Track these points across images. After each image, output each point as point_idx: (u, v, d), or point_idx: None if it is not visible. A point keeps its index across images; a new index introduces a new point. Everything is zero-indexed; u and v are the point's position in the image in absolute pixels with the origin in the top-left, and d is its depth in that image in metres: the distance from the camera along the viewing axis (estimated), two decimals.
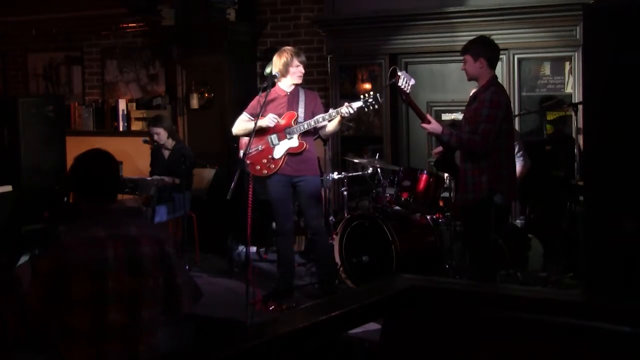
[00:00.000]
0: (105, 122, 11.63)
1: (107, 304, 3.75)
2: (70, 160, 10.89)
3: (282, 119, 7.39)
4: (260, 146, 7.46)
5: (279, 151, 7.39)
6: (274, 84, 7.47)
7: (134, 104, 11.41)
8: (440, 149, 7.12)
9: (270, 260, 9.06)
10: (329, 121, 7.32)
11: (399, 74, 6.70)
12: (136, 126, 11.30)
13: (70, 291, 3.70)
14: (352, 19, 9.59)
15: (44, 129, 10.12)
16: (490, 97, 6.50)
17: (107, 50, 11.69)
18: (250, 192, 7.36)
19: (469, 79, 6.89)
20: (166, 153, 9.24)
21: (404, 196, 7.91)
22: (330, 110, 7.26)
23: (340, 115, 7.16)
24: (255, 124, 7.10)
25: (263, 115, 7.29)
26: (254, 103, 7.47)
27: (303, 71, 7.43)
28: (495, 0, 8.72)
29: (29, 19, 12.02)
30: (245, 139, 7.45)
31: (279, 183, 7.46)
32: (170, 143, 9.25)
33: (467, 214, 6.76)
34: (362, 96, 7.14)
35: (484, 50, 6.67)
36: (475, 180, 6.54)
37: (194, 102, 10.44)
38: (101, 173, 3.96)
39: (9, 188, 9.01)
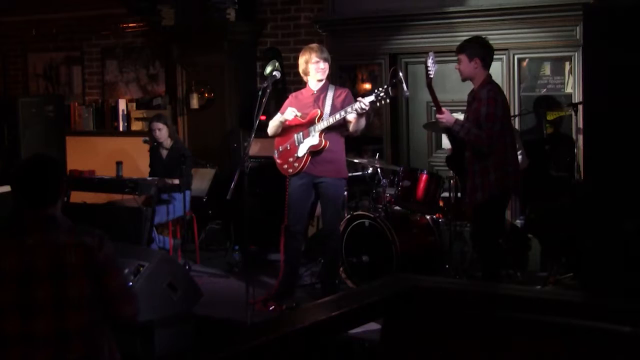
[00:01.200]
0: (105, 122, 11.63)
1: (33, 311, 3.76)
2: (70, 161, 10.87)
3: (307, 117, 7.37)
4: (288, 145, 7.46)
5: (302, 149, 7.36)
6: (274, 84, 7.46)
7: (134, 104, 11.41)
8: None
9: (271, 260, 9.05)
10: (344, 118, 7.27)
11: (430, 56, 6.70)
12: (136, 126, 11.30)
13: None
14: (352, 19, 9.59)
15: (44, 129, 10.12)
16: (487, 95, 6.56)
17: (107, 50, 11.69)
18: (286, 194, 7.39)
19: (463, 79, 6.91)
20: (164, 153, 9.23)
21: (404, 196, 7.92)
22: (347, 108, 7.22)
23: (356, 112, 7.11)
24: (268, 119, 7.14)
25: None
26: (286, 103, 7.49)
27: (323, 67, 7.36)
28: (495, 0, 8.72)
29: (29, 19, 12.02)
30: (278, 139, 7.51)
31: (300, 181, 7.42)
32: (168, 143, 9.23)
33: (477, 213, 6.77)
34: (375, 90, 7.12)
35: (479, 51, 6.71)
36: (483, 179, 6.58)
37: (194, 102, 10.44)
38: (33, 178, 3.95)
39: (9, 188, 9.01)
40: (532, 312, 2.89)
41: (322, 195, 7.44)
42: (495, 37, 6.96)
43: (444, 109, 6.78)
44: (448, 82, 9.30)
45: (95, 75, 11.84)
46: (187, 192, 8.94)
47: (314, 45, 7.53)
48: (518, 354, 2.86)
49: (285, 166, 7.49)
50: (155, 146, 9.29)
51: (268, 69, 7.48)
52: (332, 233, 7.55)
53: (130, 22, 11.36)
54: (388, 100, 7.14)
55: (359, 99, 7.08)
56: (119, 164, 9.07)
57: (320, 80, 7.43)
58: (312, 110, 7.36)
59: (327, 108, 7.35)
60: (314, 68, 7.36)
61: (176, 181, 8.74)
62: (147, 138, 9.40)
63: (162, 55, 11.17)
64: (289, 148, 7.46)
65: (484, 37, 7.00)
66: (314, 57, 7.35)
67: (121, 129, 11.42)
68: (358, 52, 9.67)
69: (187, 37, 10.37)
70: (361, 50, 9.65)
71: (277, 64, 7.46)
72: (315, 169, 7.37)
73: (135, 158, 10.66)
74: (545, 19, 8.49)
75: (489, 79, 6.71)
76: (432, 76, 6.71)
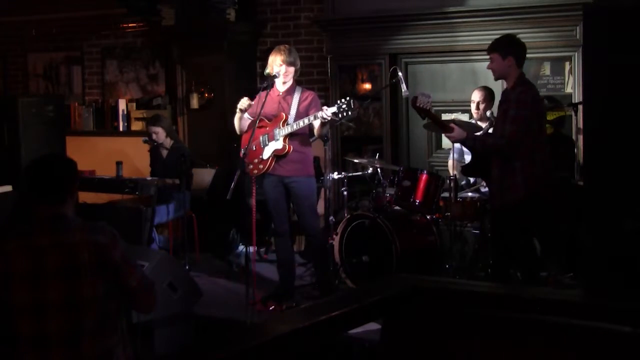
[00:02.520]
0: (105, 122, 11.62)
1: (47, 312, 3.76)
2: None
3: (272, 120, 7.39)
4: (254, 146, 7.47)
5: (267, 152, 7.41)
6: (273, 84, 7.47)
7: (134, 104, 11.40)
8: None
9: (271, 260, 9.06)
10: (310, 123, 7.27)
11: (418, 95, 6.65)
12: (136, 126, 11.29)
13: (11, 299, 3.75)
14: (352, 19, 9.58)
15: (44, 129, 10.10)
16: (517, 97, 6.45)
17: (107, 50, 11.69)
18: (253, 192, 7.37)
19: (497, 78, 6.86)
20: (164, 153, 9.23)
21: (404, 196, 7.92)
22: (310, 115, 7.21)
23: (320, 120, 7.09)
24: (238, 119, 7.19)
25: (257, 115, 7.37)
26: (254, 100, 7.48)
27: (285, 71, 7.36)
28: (495, 0, 8.71)
29: (29, 19, 12.01)
30: (245, 137, 7.50)
31: (272, 184, 7.47)
32: (168, 142, 9.24)
33: (505, 217, 6.66)
34: (337, 102, 7.08)
35: (513, 49, 6.61)
36: (510, 182, 6.49)
37: (194, 102, 10.44)
38: (44, 175, 3.96)
39: (9, 188, 9.00)
40: (532, 313, 2.89)
41: (294, 195, 7.48)
42: (495, 37, 6.92)
43: (451, 125, 6.74)
44: (448, 82, 9.32)
45: (95, 75, 11.84)
46: (187, 192, 8.94)
47: (283, 47, 7.52)
48: (518, 355, 2.86)
49: (251, 166, 7.51)
50: (155, 146, 9.29)
51: (268, 70, 7.49)
52: (313, 232, 7.58)
53: (130, 22, 11.35)
54: (350, 113, 7.07)
55: (324, 108, 7.07)
56: (118, 164, 9.07)
57: (284, 83, 7.44)
58: (278, 111, 7.37)
59: (293, 111, 7.36)
60: (276, 71, 7.38)
61: (176, 181, 8.73)
62: (147, 138, 9.40)
63: (162, 55, 11.16)
64: (254, 149, 7.48)
65: (515, 35, 6.94)
66: (278, 60, 7.37)
67: (121, 129, 11.41)
68: (358, 52, 9.66)
69: (187, 37, 10.36)
70: (361, 50, 9.64)
71: None
72: (282, 169, 7.41)
73: (135, 158, 10.66)
74: (545, 19, 8.49)
75: (522, 78, 6.61)
76: (428, 108, 6.67)
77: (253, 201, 7.63)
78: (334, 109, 6.96)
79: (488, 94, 8.13)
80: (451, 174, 7.70)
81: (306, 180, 7.48)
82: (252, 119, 7.44)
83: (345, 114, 6.98)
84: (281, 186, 7.46)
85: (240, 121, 7.54)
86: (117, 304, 3.96)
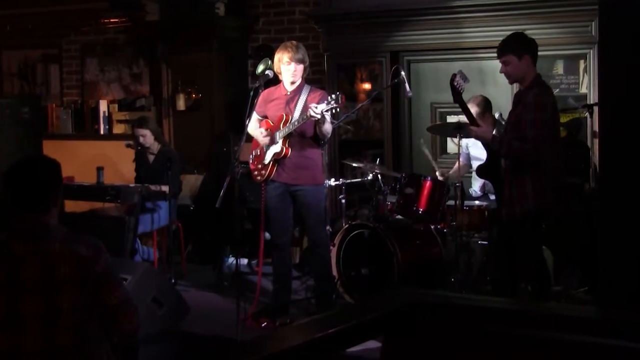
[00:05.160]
0: (85, 125, 11.63)
1: (22, 325, 3.76)
2: None
3: (275, 121, 7.37)
4: (259, 150, 7.47)
5: (268, 156, 7.38)
6: (266, 84, 7.45)
7: (116, 105, 11.42)
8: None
9: (265, 272, 9.05)
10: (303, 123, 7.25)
11: (458, 73, 6.61)
12: (118, 129, 11.31)
13: None
14: (350, 14, 9.58)
15: (19, 131, 10.12)
16: (534, 100, 6.36)
17: (87, 47, 11.69)
18: (263, 200, 7.39)
19: (513, 82, 6.82)
20: (151, 157, 9.22)
21: (407, 205, 7.92)
22: (302, 115, 7.18)
23: (313, 118, 7.04)
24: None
25: (262, 115, 7.39)
26: (259, 100, 7.41)
27: (294, 69, 7.30)
28: None
29: (3, 14, 12.02)
30: (254, 141, 7.54)
31: (275, 191, 7.42)
32: (156, 146, 9.23)
33: (513, 228, 6.63)
34: (328, 97, 7.01)
35: (528, 46, 6.56)
36: (519, 190, 6.44)
37: (181, 103, 10.45)
38: (23, 181, 3.94)
39: None
40: (543, 329, 2.89)
41: (301, 204, 7.44)
42: (504, 33, 6.93)
43: (479, 120, 6.70)
44: None
45: (74, 74, 11.85)
46: (173, 200, 8.93)
47: (290, 43, 7.43)
48: None
49: (255, 173, 7.52)
50: (140, 150, 9.28)
51: (260, 68, 7.48)
52: (319, 243, 7.56)
53: (112, 17, 11.37)
54: (338, 109, 7.06)
55: (311, 105, 6.99)
56: (99, 169, 9.06)
57: (293, 82, 7.41)
58: (284, 112, 7.35)
59: (297, 113, 7.30)
60: (285, 69, 7.32)
61: (165, 188, 8.72)
62: (130, 142, 9.40)
63: (146, 53, 11.17)
64: (259, 153, 7.49)
65: (522, 32, 6.90)
66: (286, 58, 7.29)
67: (102, 132, 11.42)
68: (357, 50, 9.67)
69: (173, 34, 10.37)
70: (360, 48, 9.64)
71: (269, 62, 7.45)
72: (288, 176, 7.37)
73: (117, 163, 10.66)
74: (558, 14, 8.50)
75: (538, 78, 6.56)
76: (462, 91, 6.59)
77: (262, 209, 7.59)
78: (323, 105, 6.89)
79: (483, 107, 8.03)
80: (456, 181, 7.70)
81: (314, 188, 7.43)
82: (262, 119, 7.47)
83: (334, 110, 6.97)
84: (286, 194, 7.42)
85: (255, 128, 7.53)
86: (99, 324, 3.96)
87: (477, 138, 6.94)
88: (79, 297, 3.83)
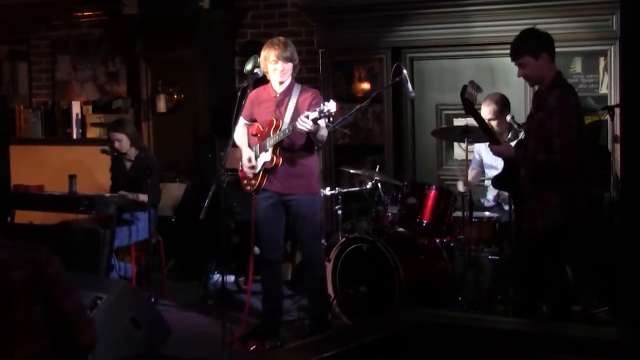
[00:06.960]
0: (57, 129, 11.62)
1: None
2: (15, 174, 10.81)
3: (265, 126, 7.37)
4: (249, 157, 7.48)
5: (258, 165, 7.38)
6: (255, 83, 7.44)
7: (90, 107, 11.42)
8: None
9: (253, 291, 9.05)
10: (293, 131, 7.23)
11: (469, 84, 6.50)
12: (93, 133, 11.31)
13: None
14: (347, 6, 9.60)
15: None
16: (557, 103, 6.22)
17: (58, 43, 11.70)
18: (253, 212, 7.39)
19: (533, 84, 6.76)
20: (128, 164, 9.22)
21: (409, 216, 7.93)
22: (290, 125, 7.15)
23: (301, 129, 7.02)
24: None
25: (250, 119, 7.40)
26: (246, 104, 7.41)
27: (282, 68, 7.27)
28: None
29: None
30: None
31: (267, 201, 7.42)
32: (133, 152, 9.22)
33: (532, 245, 6.55)
34: (321, 105, 6.95)
35: (544, 43, 6.45)
36: (543, 204, 6.35)
37: (161, 105, 10.45)
38: None
39: None
40: (560, 353, 2.90)
41: (295, 215, 7.45)
42: (516, 28, 6.94)
43: (500, 137, 6.65)
44: (460, 81, 9.24)
45: (44, 73, 11.85)
46: (153, 212, 8.92)
47: (277, 40, 7.39)
48: None
49: (245, 182, 7.52)
50: (117, 156, 9.27)
51: (248, 66, 7.51)
52: (313, 259, 7.56)
53: (85, 11, 11.38)
54: (331, 118, 7.03)
55: (300, 118, 6.95)
56: (72, 178, 9.05)
57: (281, 83, 7.40)
58: (273, 116, 7.33)
59: (288, 117, 7.29)
60: (272, 69, 7.30)
61: (143, 197, 8.72)
62: (105, 147, 9.39)
63: (123, 50, 11.18)
64: (250, 160, 7.48)
65: (534, 27, 6.85)
66: (272, 56, 7.26)
67: (75, 136, 11.42)
68: (355, 46, 9.69)
69: (152, 29, 10.38)
70: (358, 44, 9.66)
71: (258, 59, 7.45)
72: (281, 185, 7.38)
73: (92, 170, 10.67)
74: (576, 7, 8.52)
75: (559, 77, 6.46)
76: (473, 100, 6.44)
77: (252, 221, 7.60)
78: (314, 114, 6.85)
79: (501, 106, 8.06)
80: (463, 190, 7.70)
81: (309, 197, 7.43)
82: (249, 123, 7.46)
83: (327, 118, 6.92)
84: (278, 204, 7.43)
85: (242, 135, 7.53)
86: (56, 340, 3.97)
87: (498, 155, 6.85)
88: (33, 306, 3.85)
